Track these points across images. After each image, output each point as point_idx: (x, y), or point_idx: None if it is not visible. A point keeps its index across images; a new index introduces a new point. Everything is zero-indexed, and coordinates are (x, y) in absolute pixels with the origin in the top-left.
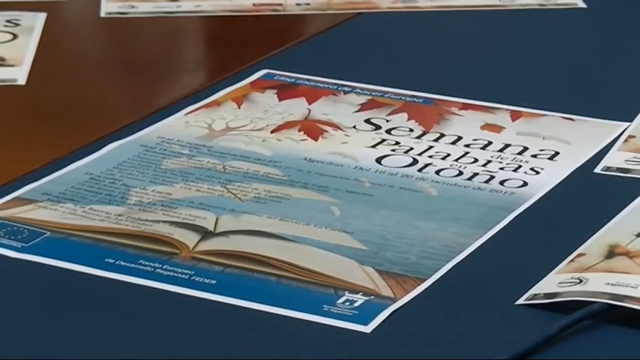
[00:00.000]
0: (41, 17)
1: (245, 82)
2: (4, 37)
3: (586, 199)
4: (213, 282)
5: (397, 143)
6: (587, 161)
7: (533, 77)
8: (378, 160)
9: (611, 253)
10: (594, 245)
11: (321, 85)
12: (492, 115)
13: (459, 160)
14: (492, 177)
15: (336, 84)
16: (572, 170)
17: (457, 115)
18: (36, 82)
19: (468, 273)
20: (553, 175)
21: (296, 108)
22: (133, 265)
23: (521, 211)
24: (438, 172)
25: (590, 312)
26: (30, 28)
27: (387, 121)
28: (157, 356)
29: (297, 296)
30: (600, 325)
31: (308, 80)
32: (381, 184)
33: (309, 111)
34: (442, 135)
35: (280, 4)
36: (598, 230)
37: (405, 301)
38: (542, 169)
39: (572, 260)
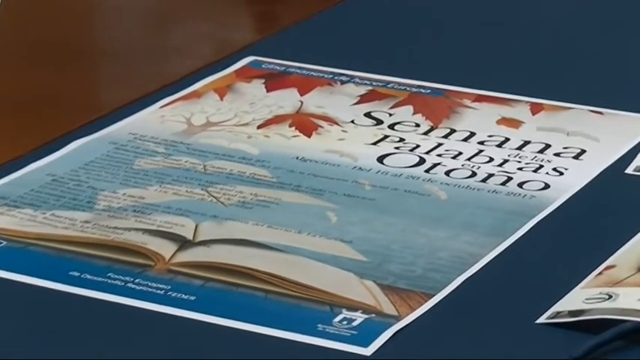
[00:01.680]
0: None
1: (229, 71)
2: None
3: (616, 203)
4: (192, 298)
5: (402, 140)
6: (617, 160)
7: (557, 65)
8: (380, 160)
9: None
10: (625, 256)
11: (314, 74)
12: (510, 108)
13: (472, 160)
14: (510, 178)
15: (332, 73)
16: (600, 171)
17: (470, 108)
18: None
19: (483, 288)
20: (579, 177)
21: (286, 100)
22: (101, 278)
23: (542, 217)
24: (447, 173)
25: (621, 332)
26: None
27: (390, 114)
28: None
29: (287, 314)
30: (632, 346)
31: (300, 69)
32: (384, 187)
33: (302, 103)
34: (453, 131)
35: None
36: (630, 239)
37: (411, 320)
38: (566, 169)
39: (600, 273)
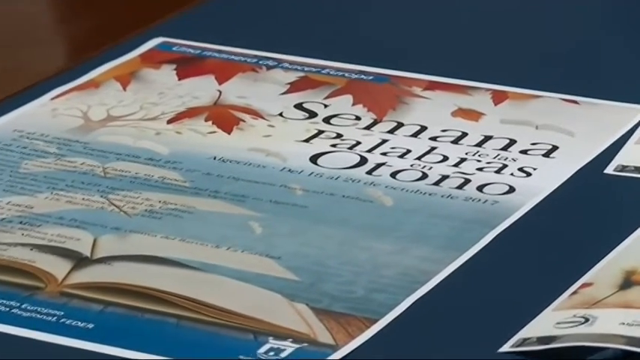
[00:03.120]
0: None
1: (133, 55)
2: None
3: (594, 209)
4: (90, 326)
5: (339, 136)
6: (595, 158)
7: (523, 47)
8: (314, 160)
9: (628, 282)
10: (605, 272)
11: (235, 58)
12: (468, 97)
13: (423, 159)
14: (468, 181)
15: (256, 56)
16: (575, 171)
17: (420, 97)
18: None
19: (436, 311)
20: (549, 178)
21: (202, 89)
22: None
23: (506, 226)
24: (394, 175)
25: None
26: None
27: (326, 106)
28: None
29: (204, 343)
30: None
31: (218, 52)
32: (318, 192)
33: (220, 93)
34: (400, 124)
35: None
36: (610, 252)
37: (350, 350)
38: (534, 169)
39: (575, 292)
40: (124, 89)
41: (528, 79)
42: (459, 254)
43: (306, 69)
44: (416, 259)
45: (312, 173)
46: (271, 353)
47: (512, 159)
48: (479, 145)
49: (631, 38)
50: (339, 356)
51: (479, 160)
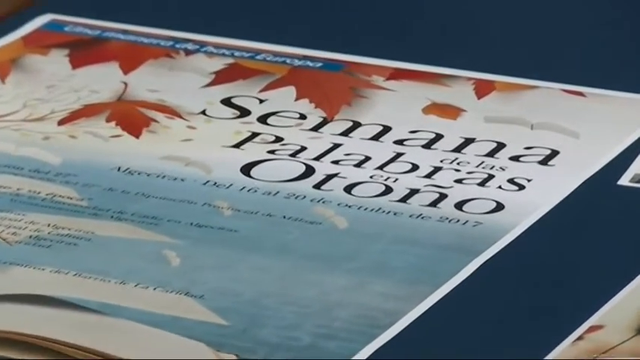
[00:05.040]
0: None
1: (13, 38)
2: None
3: (603, 232)
4: None
5: (279, 140)
6: (605, 167)
7: (514, 23)
8: (246, 170)
9: None
10: (618, 312)
11: (145, 41)
12: (444, 88)
13: (386, 168)
14: (443, 196)
15: (171, 38)
16: (579, 183)
17: (383, 89)
18: None
19: None
20: (547, 192)
21: (103, 81)
22: None
23: (492, 254)
24: (349, 190)
25: None
26: None
27: (261, 101)
28: None
29: None
30: None
31: (123, 32)
32: (252, 212)
33: (126, 86)
34: (357, 124)
35: None
36: (624, 287)
37: None
38: (529, 180)
39: (580, 338)
40: (3, 81)
41: (520, 65)
42: (431, 290)
43: (236, 54)
44: (377, 297)
45: (243, 188)
46: None
47: (501, 167)
48: (457, 150)
49: None
50: None
51: (457, 170)
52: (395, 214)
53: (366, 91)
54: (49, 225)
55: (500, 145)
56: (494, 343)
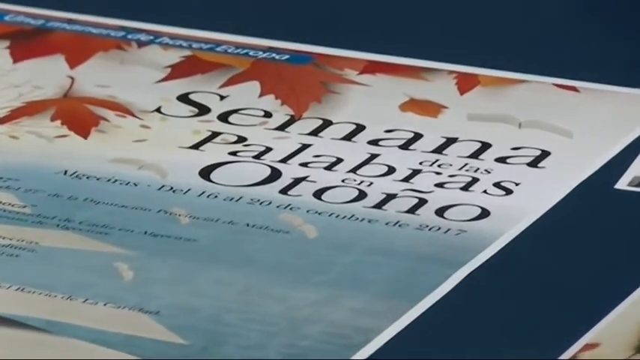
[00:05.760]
0: None
1: None
2: None
3: (599, 240)
4: None
5: (241, 140)
6: (601, 169)
7: (501, 11)
8: (205, 174)
9: None
10: (616, 328)
11: (94, 31)
12: (423, 82)
13: (360, 171)
14: (423, 201)
15: (122, 28)
16: (573, 186)
17: (356, 83)
18: None
19: None
20: (537, 197)
21: (47, 75)
22: None
23: (476, 265)
24: (318, 195)
25: None
26: None
27: (222, 97)
28: None
29: None
30: None
31: (69, 22)
32: (212, 219)
33: (73, 81)
34: (327, 123)
35: None
36: (622, 300)
37: None
38: (516, 184)
39: (574, 357)
40: None
41: (508, 58)
42: (409, 305)
43: (193, 45)
44: (349, 313)
45: (202, 193)
46: None
47: (486, 170)
48: (438, 150)
49: None
50: None
51: (438, 173)
52: (369, 221)
53: (338, 86)
54: None
55: (486, 146)
56: (479, 356)
